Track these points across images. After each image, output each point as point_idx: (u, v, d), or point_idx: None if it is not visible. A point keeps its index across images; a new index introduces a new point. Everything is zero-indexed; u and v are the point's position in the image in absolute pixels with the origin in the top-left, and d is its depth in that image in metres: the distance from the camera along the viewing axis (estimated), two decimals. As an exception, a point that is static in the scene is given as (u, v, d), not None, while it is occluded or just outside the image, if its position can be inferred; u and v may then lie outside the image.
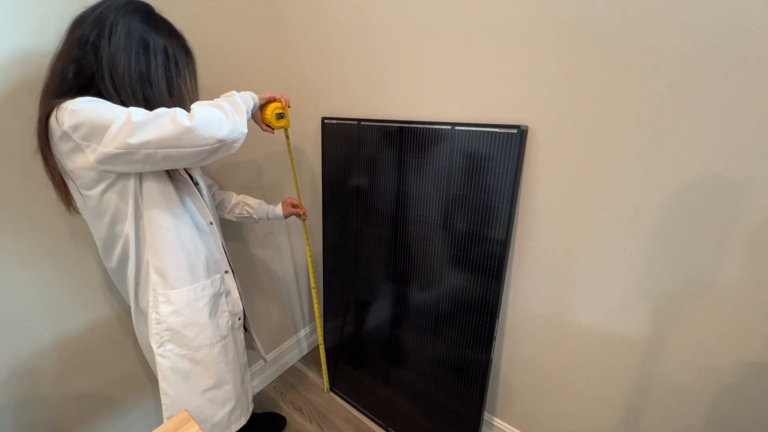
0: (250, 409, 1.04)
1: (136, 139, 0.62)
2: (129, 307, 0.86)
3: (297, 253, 1.62)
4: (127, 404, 1.14)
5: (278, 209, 1.16)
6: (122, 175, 0.71)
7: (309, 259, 1.29)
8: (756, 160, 0.65)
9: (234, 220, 1.15)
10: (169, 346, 0.82)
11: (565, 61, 0.78)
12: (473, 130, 0.91)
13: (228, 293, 0.93)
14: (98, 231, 0.77)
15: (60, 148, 0.66)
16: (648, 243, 0.80)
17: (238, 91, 0.84)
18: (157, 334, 0.80)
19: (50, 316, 0.93)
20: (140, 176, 0.73)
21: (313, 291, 1.34)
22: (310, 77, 1.28)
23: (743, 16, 0.60)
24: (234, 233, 1.33)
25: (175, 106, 0.72)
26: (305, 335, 1.75)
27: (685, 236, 0.75)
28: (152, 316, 0.80)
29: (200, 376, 0.87)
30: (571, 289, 0.94)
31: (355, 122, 1.16)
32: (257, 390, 1.56)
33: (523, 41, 0.81)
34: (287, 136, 1.11)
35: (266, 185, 1.41)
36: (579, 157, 0.83)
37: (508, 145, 0.86)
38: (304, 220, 1.24)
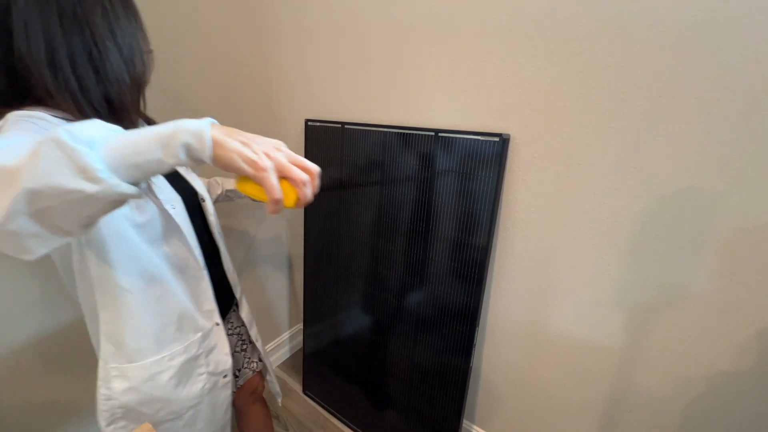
0: None
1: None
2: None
3: (280, 254, 1.59)
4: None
5: None
6: None
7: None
8: (728, 174, 0.66)
9: None
10: (121, 423, 0.66)
11: (547, 72, 0.78)
12: (456, 137, 0.91)
13: (211, 351, 0.73)
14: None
15: None
16: (624, 253, 0.80)
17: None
18: (106, 411, 0.65)
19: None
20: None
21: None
22: (295, 78, 1.26)
23: (717, 36, 0.61)
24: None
25: (128, 65, 0.56)
26: (286, 340, 1.72)
27: (660, 247, 0.76)
28: (101, 390, 0.64)
29: None
30: (550, 297, 0.94)
31: (339, 125, 1.14)
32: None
33: (507, 50, 0.82)
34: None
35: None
36: (559, 167, 0.83)
37: (490, 153, 0.87)
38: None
